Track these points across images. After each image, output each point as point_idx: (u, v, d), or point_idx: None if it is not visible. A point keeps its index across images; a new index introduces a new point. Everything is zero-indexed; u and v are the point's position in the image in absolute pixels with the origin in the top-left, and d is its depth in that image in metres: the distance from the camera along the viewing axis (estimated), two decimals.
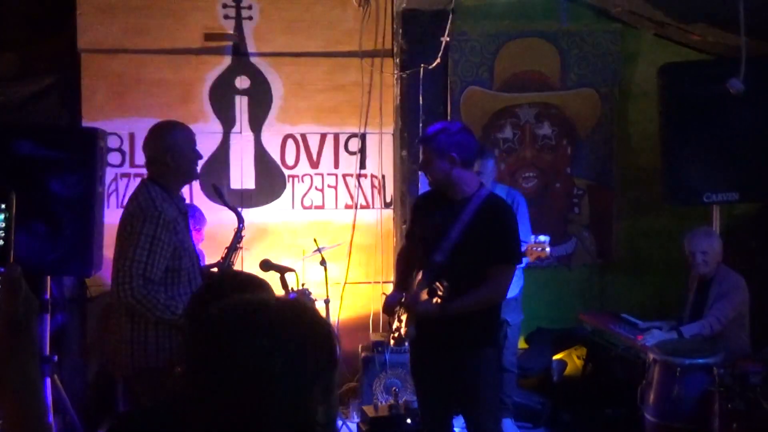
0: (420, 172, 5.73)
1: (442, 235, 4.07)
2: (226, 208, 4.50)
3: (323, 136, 6.34)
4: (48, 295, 4.54)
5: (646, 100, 6.24)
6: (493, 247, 4.04)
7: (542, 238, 5.06)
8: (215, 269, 4.37)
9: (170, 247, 3.69)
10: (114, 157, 5.97)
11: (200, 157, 4.00)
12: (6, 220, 1.15)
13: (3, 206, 1.15)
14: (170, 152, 3.84)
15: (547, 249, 5.03)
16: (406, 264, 4.44)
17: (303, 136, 6.31)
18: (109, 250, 4.05)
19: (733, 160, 5.48)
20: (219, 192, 4.50)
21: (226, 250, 4.34)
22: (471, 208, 4.07)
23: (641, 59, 6.51)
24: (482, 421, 4.16)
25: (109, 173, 5.73)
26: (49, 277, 4.55)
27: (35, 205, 4.42)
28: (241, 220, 4.33)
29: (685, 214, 5.86)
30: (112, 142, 5.89)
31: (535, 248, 5.01)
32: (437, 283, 3.83)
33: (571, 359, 6.02)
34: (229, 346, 1.38)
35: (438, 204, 4.19)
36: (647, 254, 6.52)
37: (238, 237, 4.31)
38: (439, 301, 3.83)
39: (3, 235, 1.15)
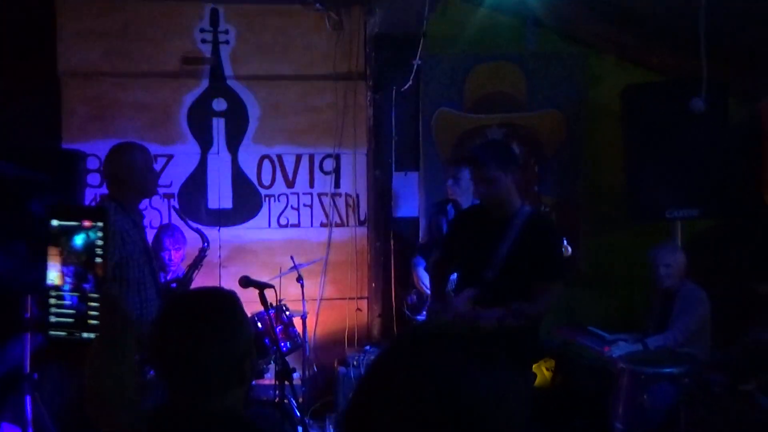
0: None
1: (491, 251, 4.03)
2: (209, 228, 4.53)
3: (298, 157, 6.34)
4: (29, 314, 4.50)
5: (610, 120, 6.29)
6: (542, 264, 3.99)
7: None
8: (174, 284, 4.42)
9: (114, 257, 3.73)
10: (93, 178, 5.92)
11: (157, 175, 4.12)
12: (103, 237, 1.13)
13: (100, 224, 1.14)
14: (126, 171, 3.96)
15: (569, 248, 5.12)
16: (443, 275, 4.44)
17: (279, 156, 6.31)
18: None
19: (694, 177, 5.55)
20: (179, 213, 4.56)
21: (187, 268, 4.38)
22: (518, 225, 4.02)
23: (604, 81, 6.57)
24: None
25: (89, 194, 5.70)
26: (29, 297, 4.52)
27: (16, 225, 4.37)
28: (205, 240, 4.35)
29: (648, 230, 5.92)
30: (92, 163, 5.85)
31: None
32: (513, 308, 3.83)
33: (540, 371, 6.01)
34: None
35: (482, 220, 4.13)
36: (613, 269, 6.55)
37: (201, 256, 4.35)
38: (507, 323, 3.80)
39: (101, 252, 1.13)
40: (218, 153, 6.21)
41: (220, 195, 6.22)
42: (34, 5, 5.96)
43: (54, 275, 1.11)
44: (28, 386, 4.44)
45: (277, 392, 4.90)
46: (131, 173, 3.96)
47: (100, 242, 1.12)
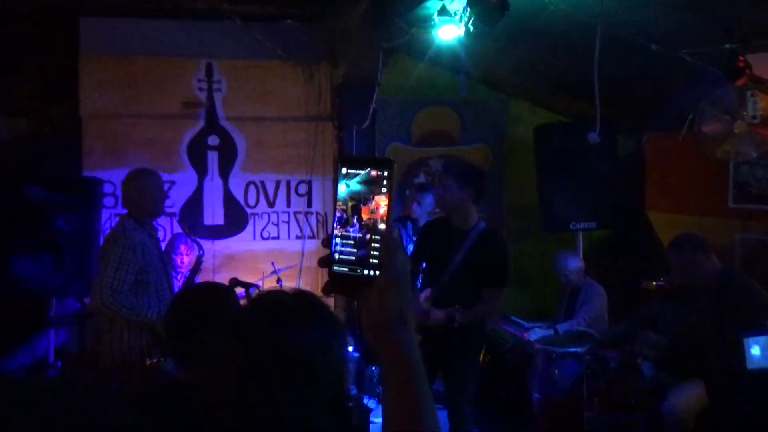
0: None
1: (448, 258, 3.94)
2: (205, 240, 4.48)
3: (278, 182, 6.27)
4: (53, 313, 4.38)
5: (526, 152, 6.34)
6: (489, 273, 3.93)
7: None
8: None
9: (136, 265, 3.68)
10: (108, 200, 5.79)
11: (166, 197, 4.05)
12: (388, 184, 1.03)
13: (386, 173, 1.03)
14: (140, 193, 3.88)
15: None
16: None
17: (262, 182, 6.23)
18: None
19: (592, 196, 5.60)
20: (185, 230, 4.53)
21: (189, 272, 4.31)
22: (472, 237, 3.96)
23: (521, 121, 6.64)
24: (463, 409, 4.06)
25: (105, 213, 5.58)
26: (54, 298, 4.40)
27: (44, 238, 4.26)
28: (201, 249, 4.29)
29: (557, 239, 5.96)
30: (107, 188, 5.72)
31: None
32: (453, 310, 3.76)
33: None
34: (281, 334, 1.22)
35: (445, 230, 4.03)
36: (530, 270, 6.59)
37: (199, 262, 4.28)
38: (455, 324, 3.75)
39: (387, 193, 1.02)
40: (212, 179, 6.11)
41: (213, 213, 6.12)
42: (61, 61, 5.84)
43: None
44: (52, 373, 4.32)
45: None
46: (144, 195, 3.88)
47: (385, 189, 1.01)
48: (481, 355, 5.95)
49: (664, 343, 4.03)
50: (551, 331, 5.06)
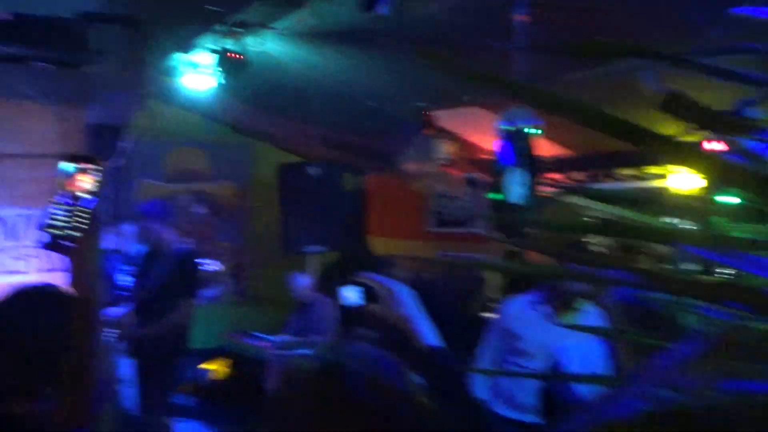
0: None
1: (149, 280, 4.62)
2: None
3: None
4: None
5: (271, 188, 6.92)
6: (179, 286, 4.59)
7: None
8: None
9: None
10: None
11: None
12: (94, 170, 1.37)
13: (90, 164, 1.40)
14: None
15: None
16: None
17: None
18: None
19: (323, 225, 6.48)
20: None
21: None
22: (167, 260, 4.66)
23: (266, 161, 7.19)
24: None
25: None
26: None
27: None
28: None
29: (295, 263, 6.49)
30: None
31: None
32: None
33: (222, 368, 6.47)
34: None
35: (150, 259, 4.72)
36: (270, 293, 6.95)
37: None
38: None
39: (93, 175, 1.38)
40: None
41: None
42: None
43: None
44: None
45: None
46: None
47: (90, 171, 1.51)
48: (229, 370, 6.44)
49: None
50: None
